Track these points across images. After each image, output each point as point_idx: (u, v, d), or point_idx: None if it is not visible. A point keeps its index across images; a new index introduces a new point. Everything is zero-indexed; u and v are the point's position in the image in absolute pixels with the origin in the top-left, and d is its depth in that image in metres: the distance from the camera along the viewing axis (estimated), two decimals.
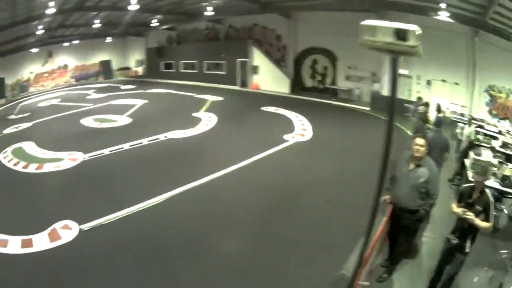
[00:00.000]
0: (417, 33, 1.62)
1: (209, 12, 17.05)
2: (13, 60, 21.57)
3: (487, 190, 3.34)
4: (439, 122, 6.35)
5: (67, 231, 5.68)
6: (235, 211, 6.24)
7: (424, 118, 7.45)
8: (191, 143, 10.18)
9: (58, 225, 5.81)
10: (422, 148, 3.69)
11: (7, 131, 12.74)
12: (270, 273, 4.51)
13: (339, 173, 7.73)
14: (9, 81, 22.20)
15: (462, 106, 12.52)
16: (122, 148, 9.74)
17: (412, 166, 3.75)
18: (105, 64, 27.68)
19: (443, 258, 3.64)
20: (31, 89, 23.96)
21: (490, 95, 11.92)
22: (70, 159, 8.97)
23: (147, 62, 27.38)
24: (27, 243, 5.29)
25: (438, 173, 4.26)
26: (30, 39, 19.57)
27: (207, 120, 12.61)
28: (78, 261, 4.96)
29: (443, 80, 13.08)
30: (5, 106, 19.41)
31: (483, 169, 3.57)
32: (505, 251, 4.38)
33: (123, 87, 22.50)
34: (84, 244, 5.34)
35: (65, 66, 25.90)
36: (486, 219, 3.22)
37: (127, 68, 29.32)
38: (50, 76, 25.23)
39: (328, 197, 6.55)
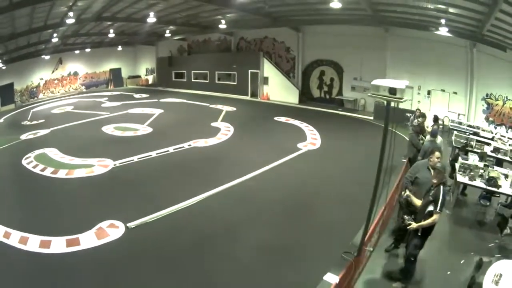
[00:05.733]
0: (402, 89, 3.08)
1: (223, 25, 17.47)
2: (23, 66, 21.67)
3: (442, 187, 4.13)
4: (435, 133, 6.96)
5: (114, 229, 5.95)
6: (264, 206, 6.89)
7: (418, 130, 7.89)
8: (214, 151, 10.55)
9: (104, 224, 6.08)
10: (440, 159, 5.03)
11: (24, 136, 12.73)
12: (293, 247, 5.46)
13: (346, 173, 8.75)
14: (18, 86, 22.23)
15: (460, 114, 13.27)
16: (150, 155, 10.00)
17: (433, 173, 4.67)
18: (115, 72, 27.98)
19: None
20: (40, 95, 24.04)
21: (487, 103, 12.77)
22: (101, 165, 9.18)
23: (157, 71, 27.77)
24: (73, 242, 5.50)
25: None
26: (42, 46, 19.79)
27: (225, 130, 13.01)
28: (129, 254, 5.30)
29: (443, 90, 13.76)
30: (15, 112, 19.46)
31: (438, 172, 4.39)
32: (493, 241, 5.48)
33: (136, 95, 22.72)
34: (132, 240, 5.67)
35: (75, 73, 26.17)
36: (435, 208, 4.06)
37: (138, 77, 29.59)
38: (60, 83, 25.45)
39: (336, 192, 7.67)
